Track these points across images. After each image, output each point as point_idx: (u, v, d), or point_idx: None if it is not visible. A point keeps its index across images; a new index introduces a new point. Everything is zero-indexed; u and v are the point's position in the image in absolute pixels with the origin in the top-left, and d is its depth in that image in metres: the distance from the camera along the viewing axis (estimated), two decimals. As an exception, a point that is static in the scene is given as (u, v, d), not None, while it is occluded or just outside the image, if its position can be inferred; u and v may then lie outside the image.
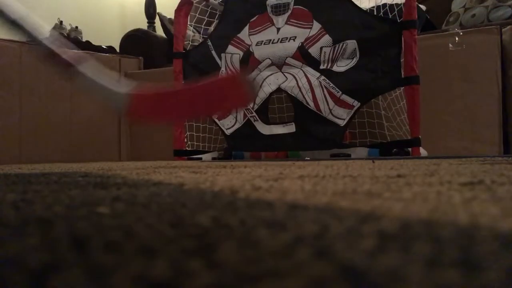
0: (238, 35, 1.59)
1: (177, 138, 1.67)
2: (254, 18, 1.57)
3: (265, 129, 1.53)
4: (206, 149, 1.70)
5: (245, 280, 0.15)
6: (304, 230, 0.22)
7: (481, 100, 1.40)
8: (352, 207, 0.29)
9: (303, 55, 1.47)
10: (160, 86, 0.75)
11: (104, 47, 2.46)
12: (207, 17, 1.78)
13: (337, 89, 1.42)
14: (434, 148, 1.39)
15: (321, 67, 1.45)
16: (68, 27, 2.69)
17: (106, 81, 0.75)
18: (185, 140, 1.69)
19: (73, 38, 2.58)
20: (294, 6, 1.51)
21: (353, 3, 1.43)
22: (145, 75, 2.08)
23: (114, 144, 2.02)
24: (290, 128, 1.49)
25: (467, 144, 1.41)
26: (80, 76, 0.74)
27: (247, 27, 1.58)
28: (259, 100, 1.53)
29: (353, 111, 1.40)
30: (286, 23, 1.52)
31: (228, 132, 1.60)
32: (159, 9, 2.71)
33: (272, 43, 1.52)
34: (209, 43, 1.66)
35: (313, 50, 1.46)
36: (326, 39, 1.45)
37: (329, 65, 1.44)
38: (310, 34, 1.47)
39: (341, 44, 1.42)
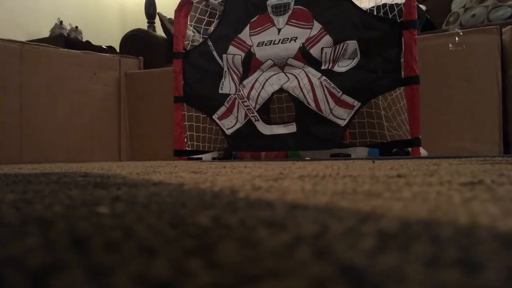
0: (239, 35, 1.59)
1: (177, 138, 1.67)
2: (255, 18, 1.57)
3: (266, 129, 1.53)
4: (206, 149, 1.70)
5: (245, 280, 0.15)
6: (304, 230, 0.22)
7: (481, 100, 1.40)
8: (352, 207, 0.29)
9: (304, 56, 1.47)
10: None
11: (104, 47, 2.47)
12: (207, 17, 1.78)
13: (337, 89, 1.42)
14: (434, 148, 1.39)
15: (322, 67, 1.45)
16: (68, 27, 2.69)
17: None
18: (185, 140, 1.69)
19: (73, 38, 2.58)
20: (295, 6, 1.51)
21: (353, 3, 1.43)
22: (145, 75, 2.08)
23: (114, 144, 2.02)
24: (291, 128, 1.49)
25: (467, 144, 1.41)
26: None
27: (247, 28, 1.58)
28: (261, 100, 1.53)
29: (353, 111, 1.40)
30: (286, 23, 1.52)
31: (228, 132, 1.60)
32: (159, 9, 2.71)
33: (273, 44, 1.52)
34: (209, 43, 1.66)
35: (314, 51, 1.46)
36: (327, 39, 1.45)
37: (330, 65, 1.44)
38: (311, 35, 1.47)
39: (342, 45, 1.42)
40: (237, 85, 1.59)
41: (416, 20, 1.33)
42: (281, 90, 1.51)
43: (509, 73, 1.40)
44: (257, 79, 1.55)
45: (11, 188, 0.47)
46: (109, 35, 3.08)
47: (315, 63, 1.46)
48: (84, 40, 2.62)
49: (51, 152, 1.81)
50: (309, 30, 1.47)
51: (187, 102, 1.69)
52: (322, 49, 1.45)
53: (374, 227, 0.22)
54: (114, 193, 0.39)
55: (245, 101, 1.56)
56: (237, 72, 1.60)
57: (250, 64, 1.56)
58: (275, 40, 1.52)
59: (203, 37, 1.85)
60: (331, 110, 1.42)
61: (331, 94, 1.43)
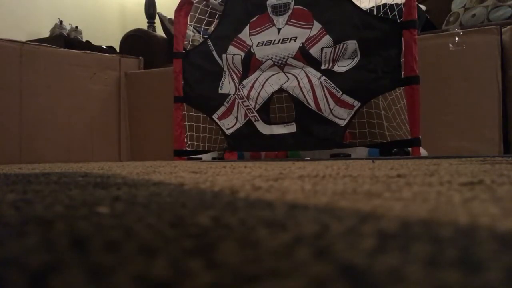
0: (239, 35, 1.59)
1: (177, 138, 1.67)
2: (255, 18, 1.57)
3: (266, 129, 1.53)
4: (206, 149, 1.70)
5: (245, 280, 0.15)
6: (304, 230, 0.22)
7: (481, 100, 1.40)
8: (352, 207, 0.29)
9: (304, 56, 1.47)
10: None
11: (104, 47, 2.47)
12: (207, 17, 1.78)
13: (337, 89, 1.42)
14: (434, 148, 1.39)
15: (322, 67, 1.45)
16: (68, 27, 2.69)
17: None
18: (185, 140, 1.69)
19: (73, 38, 2.58)
20: (295, 6, 1.51)
21: (353, 3, 1.43)
22: (145, 75, 2.08)
23: (114, 144, 2.02)
24: (291, 128, 1.49)
25: (467, 144, 1.41)
26: None
27: (247, 28, 1.58)
28: (261, 100, 1.53)
29: (353, 111, 1.40)
30: (286, 23, 1.52)
31: (228, 132, 1.60)
32: (159, 9, 2.71)
33: (273, 44, 1.52)
34: (209, 43, 1.66)
35: (314, 51, 1.46)
36: (327, 39, 1.45)
37: (330, 65, 1.45)
38: (311, 35, 1.47)
39: (341, 45, 1.42)
40: (237, 85, 1.59)
41: (416, 20, 1.33)
42: (281, 90, 1.51)
43: (509, 73, 1.40)
44: (256, 79, 1.55)
45: (11, 188, 0.47)
46: (109, 35, 3.08)
47: (315, 63, 1.46)
48: (84, 40, 2.62)
49: (51, 152, 1.81)
50: (309, 30, 1.47)
51: (187, 102, 1.69)
52: (322, 49, 1.45)
53: (374, 227, 0.22)
54: (114, 193, 0.39)
55: (245, 101, 1.56)
56: (237, 72, 1.60)
57: (249, 64, 1.56)
58: (275, 40, 1.52)
59: (203, 37, 1.85)
60: (331, 110, 1.42)
61: (331, 94, 1.43)
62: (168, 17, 2.29)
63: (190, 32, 1.84)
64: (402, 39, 1.33)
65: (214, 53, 1.64)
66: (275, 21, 1.54)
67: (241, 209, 0.29)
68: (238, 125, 1.59)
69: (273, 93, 1.52)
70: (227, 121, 1.61)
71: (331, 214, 0.26)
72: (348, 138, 1.46)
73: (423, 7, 1.75)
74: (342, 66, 1.43)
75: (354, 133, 1.48)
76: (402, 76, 1.34)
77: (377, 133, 1.45)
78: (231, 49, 1.60)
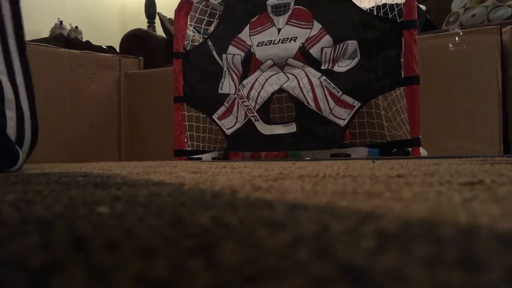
0: (239, 35, 1.59)
1: (177, 138, 1.67)
2: (255, 18, 1.57)
3: (266, 129, 1.53)
4: (206, 149, 1.70)
5: (245, 280, 0.15)
6: (304, 230, 0.22)
7: (481, 100, 1.40)
8: (352, 207, 0.29)
9: (304, 56, 1.47)
10: None
11: (104, 47, 2.47)
12: (207, 17, 1.78)
13: (337, 89, 1.42)
14: (434, 148, 1.39)
15: (322, 67, 1.45)
16: (68, 27, 2.69)
17: None
18: (185, 140, 1.69)
19: (73, 38, 2.58)
20: (295, 6, 1.51)
21: (353, 3, 1.43)
22: (145, 75, 2.08)
23: (114, 144, 2.02)
24: (291, 128, 1.49)
25: (467, 144, 1.41)
26: None
27: (247, 28, 1.58)
28: (261, 100, 1.53)
29: (353, 111, 1.40)
30: (286, 23, 1.52)
31: (228, 132, 1.60)
32: (159, 9, 2.71)
33: (273, 43, 1.52)
34: (209, 43, 1.66)
35: (314, 51, 1.46)
36: (327, 39, 1.45)
37: (330, 65, 1.45)
38: (311, 35, 1.47)
39: (341, 45, 1.42)
40: (237, 85, 1.59)
41: (416, 20, 1.33)
42: (281, 90, 1.51)
43: (509, 73, 1.40)
44: (256, 79, 1.55)
45: (11, 188, 0.47)
46: (109, 35, 3.09)
47: (315, 63, 1.46)
48: (84, 40, 2.62)
49: (51, 152, 1.81)
50: (309, 30, 1.47)
51: (187, 102, 1.69)
52: (322, 49, 1.45)
53: (374, 227, 0.22)
54: (114, 193, 0.39)
55: (245, 101, 1.56)
56: (237, 72, 1.60)
57: (249, 64, 1.56)
58: (275, 40, 1.52)
59: (203, 37, 1.85)
60: (331, 110, 1.42)
61: (331, 94, 1.43)
62: (168, 17, 2.30)
63: (190, 32, 1.84)
64: (402, 39, 1.33)
65: (214, 53, 1.64)
66: (275, 21, 1.54)
67: (241, 209, 0.29)
68: (238, 125, 1.59)
69: (273, 93, 1.52)
70: (227, 121, 1.61)
71: (331, 214, 0.26)
72: (348, 138, 1.46)
73: (423, 7, 1.75)
74: (342, 66, 1.43)
75: (354, 133, 1.48)
76: (402, 76, 1.34)
77: (377, 133, 1.45)
78: (231, 49, 1.60)
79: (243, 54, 1.58)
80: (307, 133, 1.46)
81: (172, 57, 1.72)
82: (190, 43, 1.82)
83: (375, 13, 1.47)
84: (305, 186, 0.41)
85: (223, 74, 1.63)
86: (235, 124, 1.59)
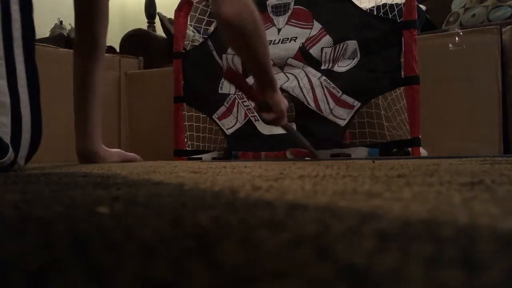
0: (238, 35, 1.59)
1: (177, 138, 1.67)
2: (254, 18, 1.57)
3: (266, 129, 1.53)
4: (206, 149, 1.70)
5: (245, 280, 0.15)
6: (304, 230, 0.22)
7: (481, 100, 1.40)
8: (352, 207, 0.29)
9: (304, 56, 1.47)
10: None
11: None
12: (207, 17, 1.78)
13: (337, 89, 1.42)
14: (434, 148, 1.39)
15: (322, 67, 1.45)
16: (68, 27, 2.69)
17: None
18: (185, 140, 1.69)
19: (73, 38, 2.58)
20: (295, 6, 1.51)
21: (353, 3, 1.44)
22: (145, 75, 2.08)
23: (114, 144, 2.02)
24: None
25: (467, 144, 1.41)
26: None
27: (247, 27, 1.58)
28: (260, 100, 1.53)
29: (353, 111, 1.40)
30: (286, 23, 1.52)
31: (228, 132, 1.60)
32: (159, 9, 2.71)
33: (273, 43, 1.52)
34: (209, 43, 1.66)
35: (314, 51, 1.46)
36: (327, 39, 1.45)
37: (330, 65, 1.44)
38: (311, 35, 1.47)
39: (341, 45, 1.42)
40: (237, 85, 1.59)
41: (416, 20, 1.33)
42: (281, 90, 1.51)
43: (509, 73, 1.40)
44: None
45: (11, 188, 0.47)
46: (109, 35, 3.08)
47: (315, 63, 1.46)
48: (84, 40, 2.62)
49: (51, 152, 1.81)
50: (309, 30, 1.47)
51: (187, 102, 1.69)
52: (322, 49, 1.45)
53: (375, 227, 0.22)
54: (114, 193, 0.39)
55: (245, 101, 1.56)
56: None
57: (250, 64, 1.56)
58: (275, 40, 1.52)
59: (203, 37, 1.85)
60: (331, 110, 1.42)
61: (331, 94, 1.43)
62: (168, 17, 2.29)
63: (190, 32, 1.84)
64: (402, 39, 1.33)
65: (214, 53, 1.64)
66: (275, 21, 1.54)
67: (241, 209, 0.29)
68: (238, 125, 1.59)
69: (273, 93, 1.52)
70: (227, 121, 1.61)
71: (331, 214, 0.26)
72: (348, 138, 1.46)
73: (423, 7, 1.75)
74: (342, 66, 1.43)
75: (354, 133, 1.48)
76: (402, 76, 1.34)
77: (377, 133, 1.45)
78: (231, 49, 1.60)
79: (243, 54, 1.57)
80: (307, 133, 1.46)
81: (172, 57, 1.72)
82: (190, 43, 1.82)
83: (375, 13, 1.47)
84: (305, 186, 0.41)
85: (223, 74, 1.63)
86: (235, 124, 1.59)
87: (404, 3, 1.36)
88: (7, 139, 0.82)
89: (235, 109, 1.59)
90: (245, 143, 1.58)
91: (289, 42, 1.50)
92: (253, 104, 1.54)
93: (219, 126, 1.63)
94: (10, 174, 0.72)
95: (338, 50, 1.43)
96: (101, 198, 0.36)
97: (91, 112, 1.19)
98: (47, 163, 1.23)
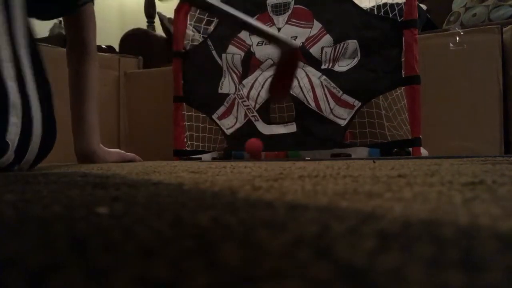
0: (239, 35, 1.59)
1: (177, 138, 1.67)
2: (254, 17, 1.57)
3: (266, 129, 1.52)
4: (206, 149, 1.70)
5: (245, 281, 0.15)
6: (305, 230, 0.22)
7: (482, 99, 1.40)
8: (353, 207, 0.29)
9: (304, 55, 1.47)
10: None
11: (104, 46, 2.46)
12: (207, 17, 1.78)
13: (338, 88, 1.42)
14: (435, 148, 1.39)
15: (323, 67, 1.45)
16: (68, 27, 2.68)
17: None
18: (185, 140, 1.69)
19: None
20: (295, 6, 1.51)
21: (353, 2, 1.43)
22: (144, 74, 2.08)
23: (114, 144, 2.02)
24: (291, 128, 1.49)
25: (468, 144, 1.41)
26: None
27: (247, 27, 1.58)
28: (260, 100, 1.53)
29: (354, 111, 1.40)
30: (286, 23, 1.52)
31: (228, 132, 1.60)
32: (158, 8, 2.71)
33: (273, 43, 1.52)
34: (209, 42, 1.66)
35: (314, 50, 1.46)
36: (327, 39, 1.44)
37: (331, 65, 1.44)
38: (311, 34, 1.47)
39: (342, 44, 1.42)
40: (237, 85, 1.59)
41: (416, 20, 1.33)
42: (281, 89, 1.51)
43: (510, 72, 1.40)
44: (256, 79, 1.55)
45: (10, 188, 0.47)
46: (108, 35, 3.08)
47: (315, 63, 1.46)
48: (84, 39, 2.62)
49: (51, 152, 1.81)
50: (309, 30, 1.47)
51: (187, 102, 1.69)
52: (322, 48, 1.45)
53: (375, 227, 0.22)
54: (113, 193, 0.39)
55: (245, 101, 1.56)
56: (237, 72, 1.60)
57: (249, 63, 1.56)
58: (275, 40, 1.52)
59: (203, 37, 1.85)
60: (331, 109, 1.42)
61: (331, 93, 1.43)
62: (168, 16, 2.29)
63: (190, 31, 1.84)
64: (403, 38, 1.33)
65: (214, 52, 1.64)
66: (275, 21, 1.54)
67: (241, 209, 0.29)
68: (238, 125, 1.58)
69: (273, 93, 1.52)
70: (227, 121, 1.61)
71: (331, 214, 0.26)
72: (349, 138, 1.46)
73: (423, 6, 1.75)
74: (342, 66, 1.43)
75: (354, 133, 1.48)
76: (403, 76, 1.34)
77: (378, 133, 1.45)
78: (231, 48, 1.60)
79: (243, 54, 1.58)
80: (308, 133, 1.46)
81: (172, 57, 1.72)
82: (190, 43, 1.82)
83: (375, 13, 1.47)
84: (305, 186, 0.41)
85: (223, 73, 1.63)
86: (235, 124, 1.59)
87: (404, 3, 1.36)
88: (14, 139, 0.82)
89: (235, 109, 1.59)
90: (245, 143, 1.58)
91: (289, 41, 1.50)
92: (253, 104, 1.54)
93: (219, 126, 1.63)
94: (9, 174, 0.72)
95: (338, 50, 1.43)
96: (100, 198, 0.36)
97: (87, 112, 1.19)
98: (46, 163, 1.23)
